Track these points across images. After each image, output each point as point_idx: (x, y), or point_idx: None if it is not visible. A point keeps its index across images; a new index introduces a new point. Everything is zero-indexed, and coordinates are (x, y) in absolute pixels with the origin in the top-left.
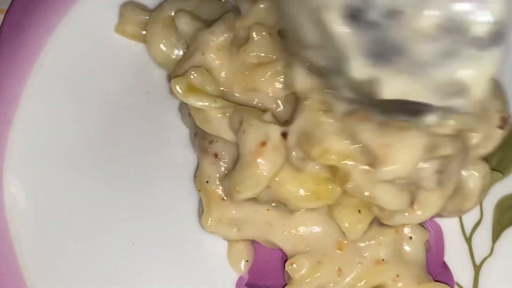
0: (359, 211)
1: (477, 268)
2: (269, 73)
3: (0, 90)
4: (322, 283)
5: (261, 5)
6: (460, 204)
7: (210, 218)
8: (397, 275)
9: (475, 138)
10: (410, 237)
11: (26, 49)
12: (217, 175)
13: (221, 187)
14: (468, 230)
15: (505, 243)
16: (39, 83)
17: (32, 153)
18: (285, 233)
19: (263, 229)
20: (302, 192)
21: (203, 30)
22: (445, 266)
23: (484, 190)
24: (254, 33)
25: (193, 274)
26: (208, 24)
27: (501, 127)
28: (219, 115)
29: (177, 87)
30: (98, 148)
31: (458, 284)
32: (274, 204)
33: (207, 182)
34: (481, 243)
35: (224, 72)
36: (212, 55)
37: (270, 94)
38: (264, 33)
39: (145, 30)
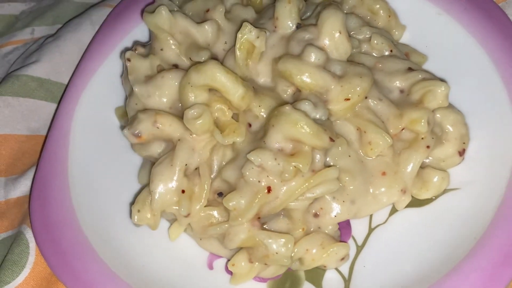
0: None
1: (371, 230)
2: None
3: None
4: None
5: None
6: (418, 190)
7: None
8: (307, 250)
9: (441, 153)
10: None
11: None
12: None
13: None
14: None
15: (398, 216)
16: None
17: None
18: None
19: None
20: None
21: None
22: (348, 223)
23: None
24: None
25: None
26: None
27: (461, 155)
28: None
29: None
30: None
31: (353, 237)
32: None
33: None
34: (381, 214)
35: None
36: None
37: None
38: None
39: None
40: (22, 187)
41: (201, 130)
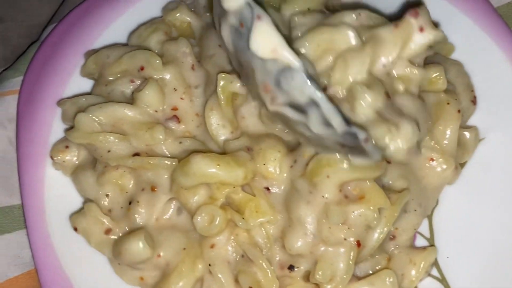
0: None
1: (429, 217)
2: None
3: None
4: None
5: None
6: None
7: None
8: (402, 274)
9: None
10: None
11: None
12: None
13: None
14: None
15: (446, 192)
16: None
17: None
18: None
19: None
20: None
21: None
22: None
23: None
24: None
25: None
26: None
27: (474, 103)
28: None
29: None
30: None
31: (419, 233)
32: None
33: None
34: None
35: None
36: None
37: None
38: None
39: None
40: None
41: (222, 230)
